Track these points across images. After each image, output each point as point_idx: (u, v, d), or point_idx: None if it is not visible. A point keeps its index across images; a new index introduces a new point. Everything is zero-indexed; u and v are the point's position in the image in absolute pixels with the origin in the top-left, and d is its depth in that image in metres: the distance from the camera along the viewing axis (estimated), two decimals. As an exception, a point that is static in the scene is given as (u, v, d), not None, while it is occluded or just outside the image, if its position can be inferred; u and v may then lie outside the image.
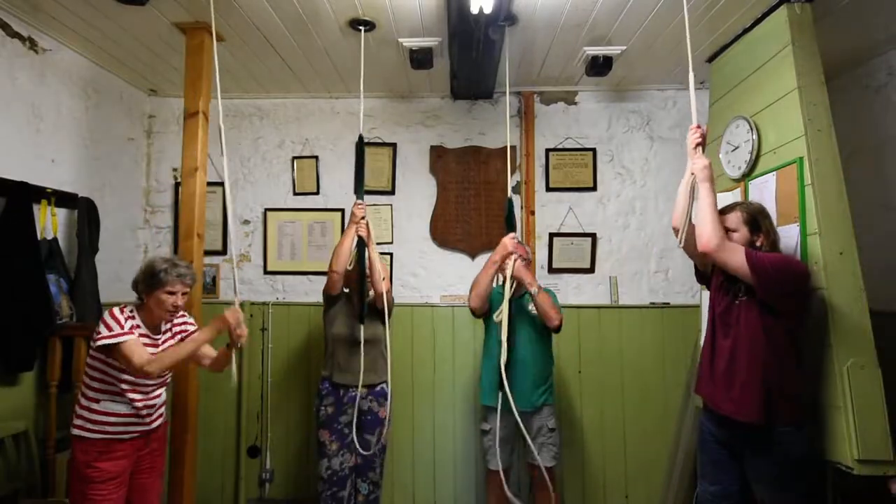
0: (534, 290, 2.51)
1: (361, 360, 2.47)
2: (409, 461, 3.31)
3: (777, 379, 1.83)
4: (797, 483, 1.83)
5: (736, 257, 1.83)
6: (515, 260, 2.50)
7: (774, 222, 2.27)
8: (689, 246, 1.99)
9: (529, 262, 2.77)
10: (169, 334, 2.12)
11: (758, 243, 1.95)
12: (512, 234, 2.54)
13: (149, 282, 1.99)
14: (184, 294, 2.03)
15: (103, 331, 1.89)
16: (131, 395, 1.97)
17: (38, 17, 2.52)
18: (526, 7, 2.43)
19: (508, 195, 2.62)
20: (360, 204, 2.54)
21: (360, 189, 2.56)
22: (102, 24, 2.58)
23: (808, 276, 1.95)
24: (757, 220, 1.96)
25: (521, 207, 3.43)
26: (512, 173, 3.44)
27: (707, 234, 1.83)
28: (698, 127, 1.93)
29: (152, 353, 1.96)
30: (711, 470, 2.08)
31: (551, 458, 2.62)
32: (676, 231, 1.99)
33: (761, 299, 1.84)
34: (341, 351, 2.61)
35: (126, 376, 1.96)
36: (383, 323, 2.66)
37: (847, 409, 1.91)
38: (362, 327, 2.52)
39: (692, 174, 1.92)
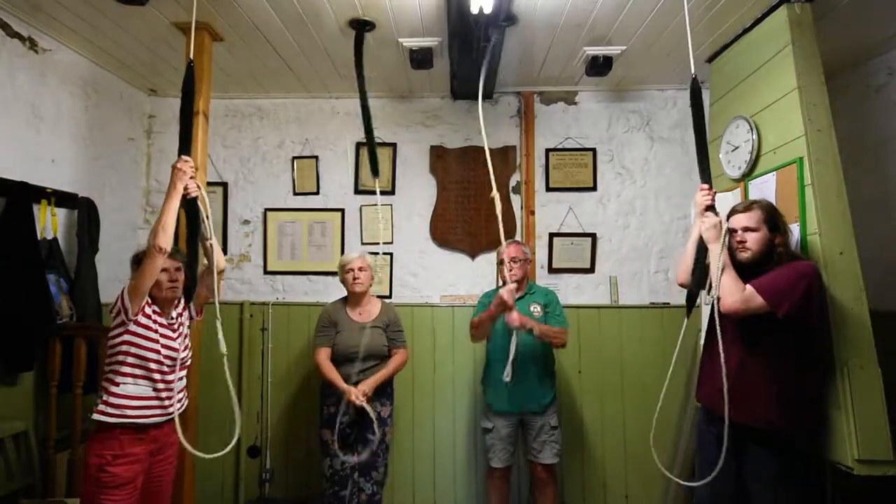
0: (536, 332, 2.53)
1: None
2: (409, 461, 3.31)
3: (791, 386, 1.84)
4: (797, 482, 1.83)
5: (757, 302, 1.82)
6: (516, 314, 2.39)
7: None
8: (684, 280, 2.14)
9: (529, 261, 2.78)
10: (179, 319, 2.13)
11: (777, 241, 1.92)
12: (509, 288, 2.37)
13: (139, 262, 2.03)
14: (176, 269, 2.05)
15: (118, 303, 1.96)
16: (156, 376, 1.98)
17: (38, 17, 2.52)
18: (526, 7, 2.43)
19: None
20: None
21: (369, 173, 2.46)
22: (102, 24, 2.58)
23: (816, 273, 1.90)
24: (775, 218, 1.94)
25: (521, 207, 3.43)
26: (511, 174, 3.45)
27: (730, 300, 1.83)
28: (710, 188, 1.95)
29: (167, 345, 2.02)
30: (710, 469, 2.08)
31: (553, 455, 2.63)
32: (683, 286, 2.12)
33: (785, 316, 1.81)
34: (344, 364, 2.64)
35: (149, 353, 1.97)
36: (385, 335, 2.71)
37: (847, 409, 1.91)
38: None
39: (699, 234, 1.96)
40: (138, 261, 2.04)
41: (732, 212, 2.02)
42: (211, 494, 3.31)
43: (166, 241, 1.87)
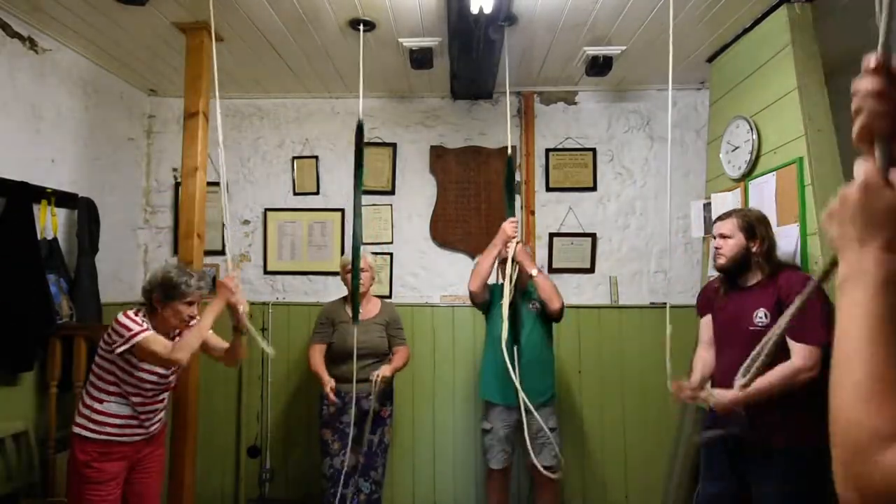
0: (534, 271, 2.55)
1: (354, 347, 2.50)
2: (409, 461, 3.31)
3: (803, 398, 1.82)
4: (802, 484, 1.83)
5: (816, 354, 1.77)
6: (517, 244, 2.50)
7: (774, 223, 2.28)
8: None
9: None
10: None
11: (753, 249, 1.96)
12: (512, 219, 2.53)
13: (168, 293, 1.98)
14: (199, 305, 2.06)
15: (121, 333, 1.88)
16: (134, 399, 1.98)
17: (38, 17, 2.52)
18: (526, 7, 2.43)
19: (509, 152, 2.55)
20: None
21: (356, 316, 2.45)
22: (102, 24, 2.58)
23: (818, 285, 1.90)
24: (753, 226, 1.97)
25: (521, 207, 3.43)
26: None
27: (806, 377, 1.76)
28: (683, 387, 1.99)
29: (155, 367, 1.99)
30: (712, 469, 2.09)
31: (552, 457, 2.62)
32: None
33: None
34: (342, 361, 2.63)
35: (134, 379, 1.96)
36: (385, 333, 2.71)
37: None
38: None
39: None
40: (149, 296, 2.01)
41: (716, 220, 2.09)
42: (211, 494, 3.31)
43: (186, 358, 1.92)
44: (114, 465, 1.94)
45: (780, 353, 1.83)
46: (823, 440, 1.79)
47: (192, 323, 2.04)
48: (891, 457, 0.45)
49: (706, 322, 2.19)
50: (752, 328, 1.91)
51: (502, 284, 2.71)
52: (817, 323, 1.77)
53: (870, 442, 0.46)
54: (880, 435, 0.46)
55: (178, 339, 2.07)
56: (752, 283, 1.97)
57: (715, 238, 2.05)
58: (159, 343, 1.89)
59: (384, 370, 2.56)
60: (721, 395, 1.88)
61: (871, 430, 0.47)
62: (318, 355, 2.67)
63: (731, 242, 1.97)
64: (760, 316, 1.90)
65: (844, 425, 0.49)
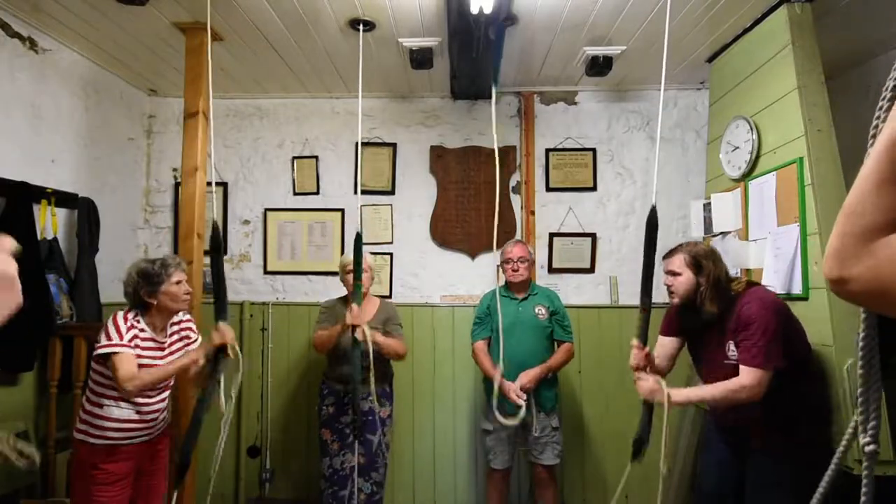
0: (539, 373, 2.57)
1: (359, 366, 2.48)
2: (409, 461, 3.31)
3: (786, 395, 1.84)
4: (799, 488, 1.83)
5: (765, 378, 1.78)
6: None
7: (774, 223, 2.28)
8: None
9: (532, 262, 2.78)
10: (176, 336, 2.12)
11: (702, 285, 1.93)
12: (354, 308, 2.27)
13: (152, 282, 1.98)
14: (186, 281, 2.07)
15: (102, 339, 1.90)
16: (137, 399, 1.96)
17: (38, 17, 2.52)
18: (526, 7, 2.43)
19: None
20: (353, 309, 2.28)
21: (357, 296, 2.30)
22: (102, 24, 2.58)
23: (773, 308, 1.85)
24: (700, 262, 1.94)
25: (521, 207, 3.43)
26: (511, 174, 3.44)
27: (745, 397, 1.78)
28: (641, 348, 1.91)
29: (150, 364, 1.96)
30: (713, 470, 2.09)
31: (555, 456, 2.64)
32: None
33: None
34: (342, 362, 2.61)
35: None
36: (382, 332, 2.69)
37: (847, 409, 1.91)
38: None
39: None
40: (136, 296, 2.00)
41: (665, 255, 2.04)
42: (211, 494, 3.30)
43: (135, 392, 1.90)
44: (121, 466, 1.93)
45: None
46: (800, 442, 1.76)
47: (185, 298, 2.05)
48: (882, 245, 0.53)
49: (667, 341, 2.17)
50: (727, 362, 1.91)
51: (504, 287, 2.72)
52: (757, 350, 1.78)
53: (865, 229, 0.54)
54: (876, 225, 0.54)
55: (172, 347, 2.08)
56: (715, 312, 1.93)
57: (665, 275, 2.02)
58: (123, 366, 1.86)
59: (376, 334, 2.41)
60: (647, 386, 1.89)
61: (868, 220, 0.54)
62: (323, 332, 2.58)
63: (681, 279, 1.96)
64: (732, 349, 1.89)
65: (848, 212, 0.56)
